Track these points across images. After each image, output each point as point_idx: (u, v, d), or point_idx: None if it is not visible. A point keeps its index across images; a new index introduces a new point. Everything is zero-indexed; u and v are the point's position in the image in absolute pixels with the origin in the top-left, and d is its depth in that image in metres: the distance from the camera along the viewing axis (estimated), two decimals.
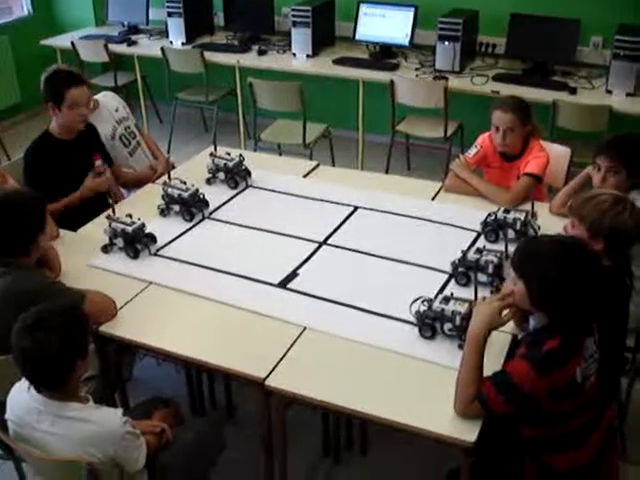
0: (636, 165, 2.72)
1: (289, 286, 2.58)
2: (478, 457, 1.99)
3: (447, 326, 2.23)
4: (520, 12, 4.78)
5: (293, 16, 5.19)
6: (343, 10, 5.38)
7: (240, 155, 3.31)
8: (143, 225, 2.77)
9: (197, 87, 5.54)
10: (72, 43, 5.69)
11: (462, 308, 2.21)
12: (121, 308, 2.46)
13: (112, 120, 3.65)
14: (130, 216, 2.77)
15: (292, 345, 2.28)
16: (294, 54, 5.29)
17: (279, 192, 3.25)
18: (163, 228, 2.90)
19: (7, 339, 1.93)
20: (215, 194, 3.17)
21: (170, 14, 5.57)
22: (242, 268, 2.68)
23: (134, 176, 3.59)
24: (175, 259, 2.76)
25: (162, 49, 5.42)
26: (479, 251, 2.52)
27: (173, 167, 3.68)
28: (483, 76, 4.73)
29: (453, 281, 2.54)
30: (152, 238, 2.78)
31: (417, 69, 4.94)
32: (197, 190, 3.03)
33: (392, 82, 4.71)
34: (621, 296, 2.32)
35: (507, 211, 2.77)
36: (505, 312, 2.00)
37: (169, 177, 3.09)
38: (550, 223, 2.78)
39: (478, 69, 4.88)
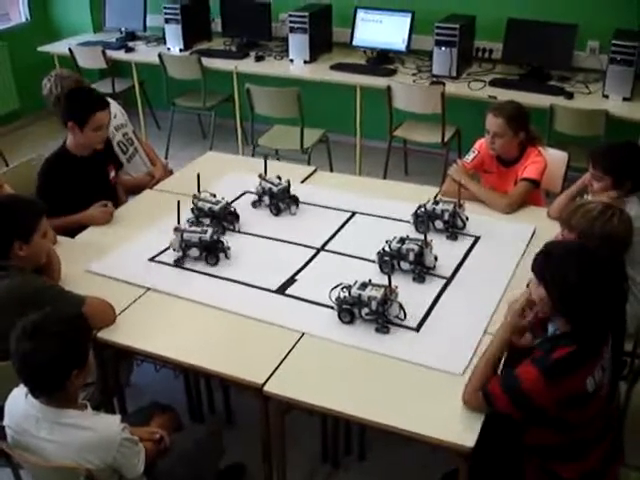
0: (621, 173, 2.72)
1: (287, 292, 2.58)
2: (474, 460, 1.98)
3: (364, 311, 2.33)
4: (517, 17, 4.79)
5: (290, 22, 5.19)
6: (340, 16, 5.39)
7: (287, 181, 3.16)
8: (216, 232, 2.78)
9: (195, 93, 5.55)
10: (69, 49, 5.69)
11: (378, 293, 2.30)
12: (119, 314, 2.46)
13: (110, 127, 3.64)
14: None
15: (290, 351, 2.28)
16: (291, 60, 5.29)
17: None
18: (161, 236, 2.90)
19: (6, 342, 1.93)
20: None
21: (167, 20, 5.57)
22: (240, 274, 2.68)
23: (132, 182, 3.59)
24: (172, 265, 2.76)
25: (160, 55, 5.42)
26: (402, 240, 2.62)
27: (171, 173, 3.69)
28: (480, 81, 4.73)
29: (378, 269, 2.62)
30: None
31: (414, 74, 4.95)
32: (227, 203, 3.00)
33: (389, 87, 4.71)
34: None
35: (436, 203, 2.89)
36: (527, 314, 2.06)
37: (198, 190, 3.02)
38: (548, 228, 2.79)
39: (475, 74, 4.88)
